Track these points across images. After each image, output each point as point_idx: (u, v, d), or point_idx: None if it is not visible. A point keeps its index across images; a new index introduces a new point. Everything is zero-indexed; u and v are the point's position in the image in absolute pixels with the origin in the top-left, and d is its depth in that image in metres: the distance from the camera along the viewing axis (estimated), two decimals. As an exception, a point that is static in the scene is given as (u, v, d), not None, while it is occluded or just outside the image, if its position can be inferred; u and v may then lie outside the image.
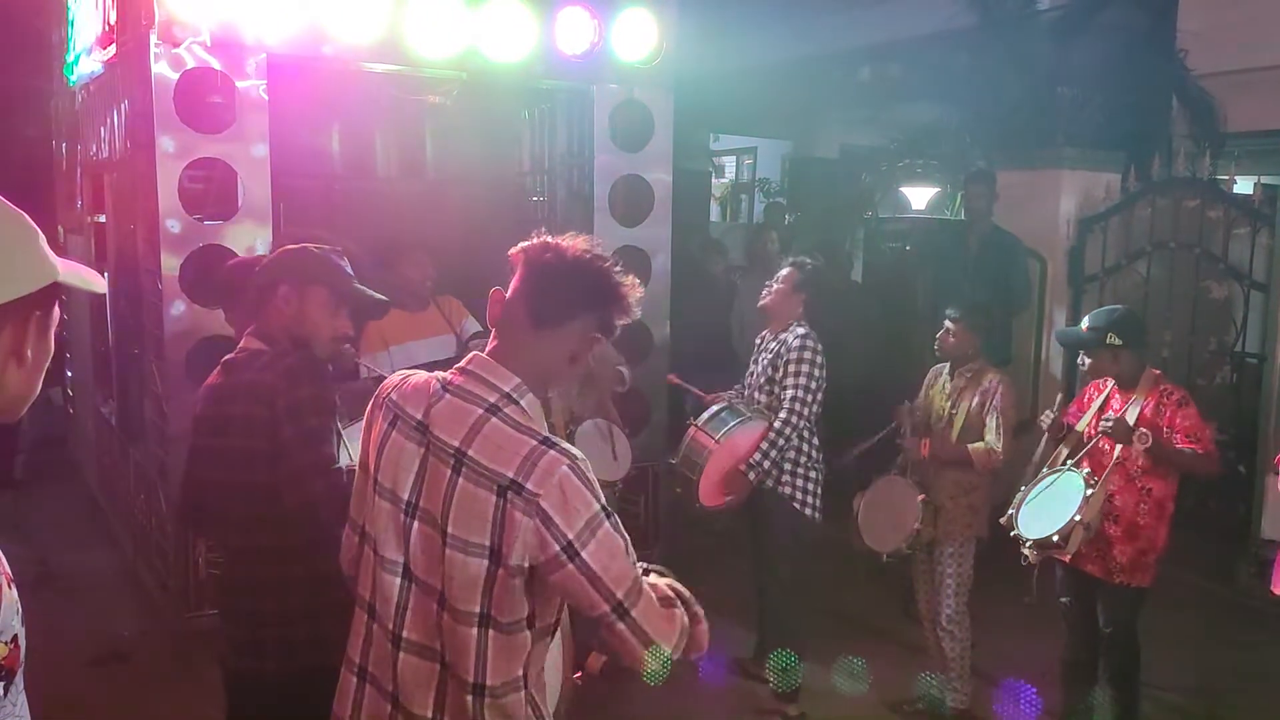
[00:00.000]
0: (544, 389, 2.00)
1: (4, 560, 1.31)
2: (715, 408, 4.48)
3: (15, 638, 1.28)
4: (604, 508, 1.85)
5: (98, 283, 1.50)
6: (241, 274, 3.19)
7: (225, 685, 2.83)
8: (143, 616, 5.16)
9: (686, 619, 1.97)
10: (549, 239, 1.98)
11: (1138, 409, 3.87)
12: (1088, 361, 4.04)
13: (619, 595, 1.83)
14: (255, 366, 2.64)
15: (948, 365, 4.50)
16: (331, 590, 2.26)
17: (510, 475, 1.82)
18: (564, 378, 2.03)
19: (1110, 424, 3.82)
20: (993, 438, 4.23)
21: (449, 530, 1.87)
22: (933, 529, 4.31)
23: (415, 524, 1.92)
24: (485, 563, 1.84)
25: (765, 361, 4.52)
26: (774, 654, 4.51)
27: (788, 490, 4.41)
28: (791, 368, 4.36)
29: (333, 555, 2.19)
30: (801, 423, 4.34)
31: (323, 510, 2.47)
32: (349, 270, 2.78)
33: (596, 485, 1.86)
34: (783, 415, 4.32)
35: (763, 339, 4.69)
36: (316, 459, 2.55)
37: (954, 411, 4.36)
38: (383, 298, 2.85)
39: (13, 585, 1.30)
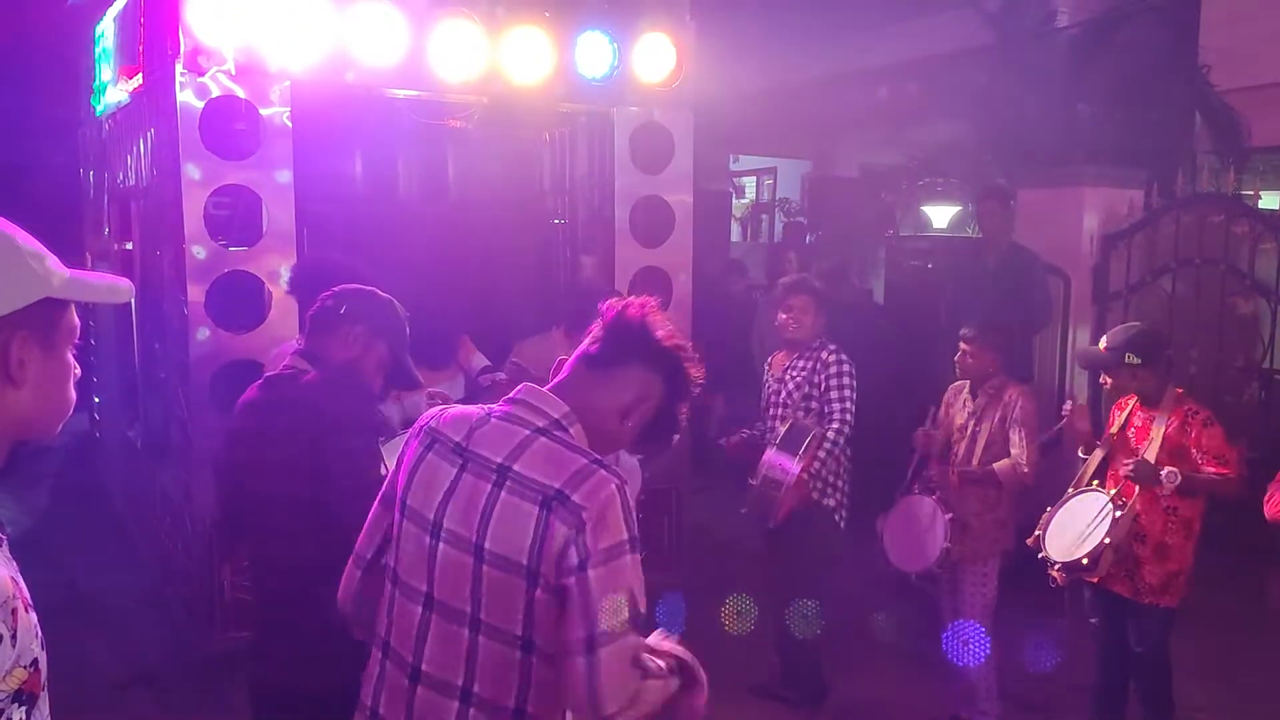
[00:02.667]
0: (595, 434, 1.94)
1: (23, 585, 1.31)
2: (784, 426, 4.47)
3: (35, 661, 1.28)
4: (632, 539, 1.81)
5: (114, 293, 1.49)
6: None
7: (253, 702, 2.83)
8: (169, 640, 5.18)
9: (674, 686, 1.89)
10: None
11: (1162, 428, 3.84)
12: (1109, 381, 4.02)
13: (596, 629, 1.75)
14: (298, 383, 2.69)
15: (968, 384, 4.49)
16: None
17: (557, 486, 1.79)
18: (613, 430, 1.98)
19: (1132, 470, 3.77)
20: (1018, 453, 4.21)
21: (486, 546, 1.82)
22: (960, 547, 4.29)
23: (441, 546, 1.87)
24: (523, 582, 1.79)
25: (798, 380, 4.54)
26: (800, 672, 4.51)
27: (830, 503, 4.47)
28: (834, 381, 4.45)
29: None
30: (849, 432, 4.41)
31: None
32: (407, 338, 2.86)
33: (633, 515, 1.83)
34: (835, 426, 4.39)
35: (774, 361, 4.73)
36: (361, 480, 2.56)
37: (977, 430, 4.34)
38: (418, 378, 2.94)
39: (31, 610, 1.30)
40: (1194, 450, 3.77)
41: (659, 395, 1.99)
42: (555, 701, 1.83)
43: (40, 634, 1.31)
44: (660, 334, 1.99)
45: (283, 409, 2.67)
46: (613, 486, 1.79)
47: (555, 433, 1.88)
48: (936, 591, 4.54)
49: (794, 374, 4.58)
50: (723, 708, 4.57)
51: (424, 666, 1.88)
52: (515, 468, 1.83)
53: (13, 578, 1.29)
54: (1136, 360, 3.86)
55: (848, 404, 4.43)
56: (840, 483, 4.50)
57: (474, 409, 1.99)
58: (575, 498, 1.77)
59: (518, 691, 1.81)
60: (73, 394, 1.44)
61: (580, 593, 1.75)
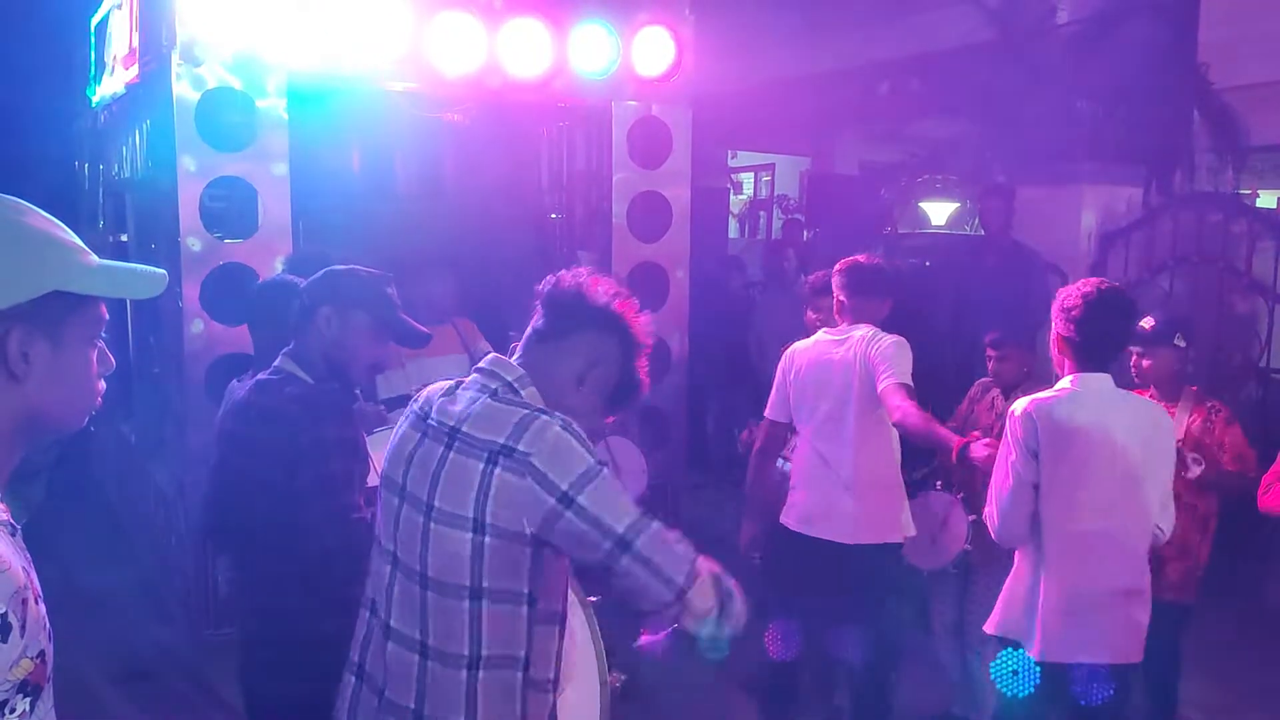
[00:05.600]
0: (559, 407, 1.98)
1: (34, 576, 1.31)
2: None
3: (42, 653, 1.28)
4: (599, 462, 1.87)
5: (144, 286, 1.43)
6: (271, 293, 3.20)
7: (246, 705, 2.82)
8: (164, 634, 5.17)
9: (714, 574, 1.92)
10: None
11: (1184, 422, 3.81)
12: (1144, 363, 3.94)
13: (620, 529, 1.83)
14: (285, 393, 2.63)
15: (999, 387, 4.45)
16: (357, 616, 2.26)
17: (501, 441, 1.86)
18: (573, 399, 2.03)
19: None
20: None
21: (435, 504, 1.90)
22: (981, 551, 4.25)
23: (404, 507, 1.97)
24: (470, 535, 1.86)
25: None
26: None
27: None
28: None
29: (356, 584, 2.20)
30: None
31: (337, 560, 2.46)
32: (395, 299, 2.76)
33: (590, 444, 1.89)
34: None
35: None
36: (333, 507, 2.53)
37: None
38: (425, 331, 2.83)
39: (40, 601, 1.30)
40: (1214, 448, 3.75)
41: (613, 355, 2.05)
42: (509, 643, 1.91)
43: (48, 626, 1.31)
44: (598, 296, 2.05)
45: (265, 420, 2.63)
46: (556, 427, 1.86)
47: (504, 394, 1.96)
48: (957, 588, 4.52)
49: None
50: (730, 695, 4.58)
51: (392, 622, 1.98)
52: (463, 429, 1.91)
53: (24, 568, 1.29)
54: (1183, 343, 3.84)
55: None
56: None
57: (448, 382, 2.07)
58: (520, 447, 1.84)
59: (469, 639, 1.89)
60: (95, 388, 1.42)
61: (584, 518, 1.82)
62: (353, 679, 2.07)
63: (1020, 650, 3.09)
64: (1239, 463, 3.76)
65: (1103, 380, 3.03)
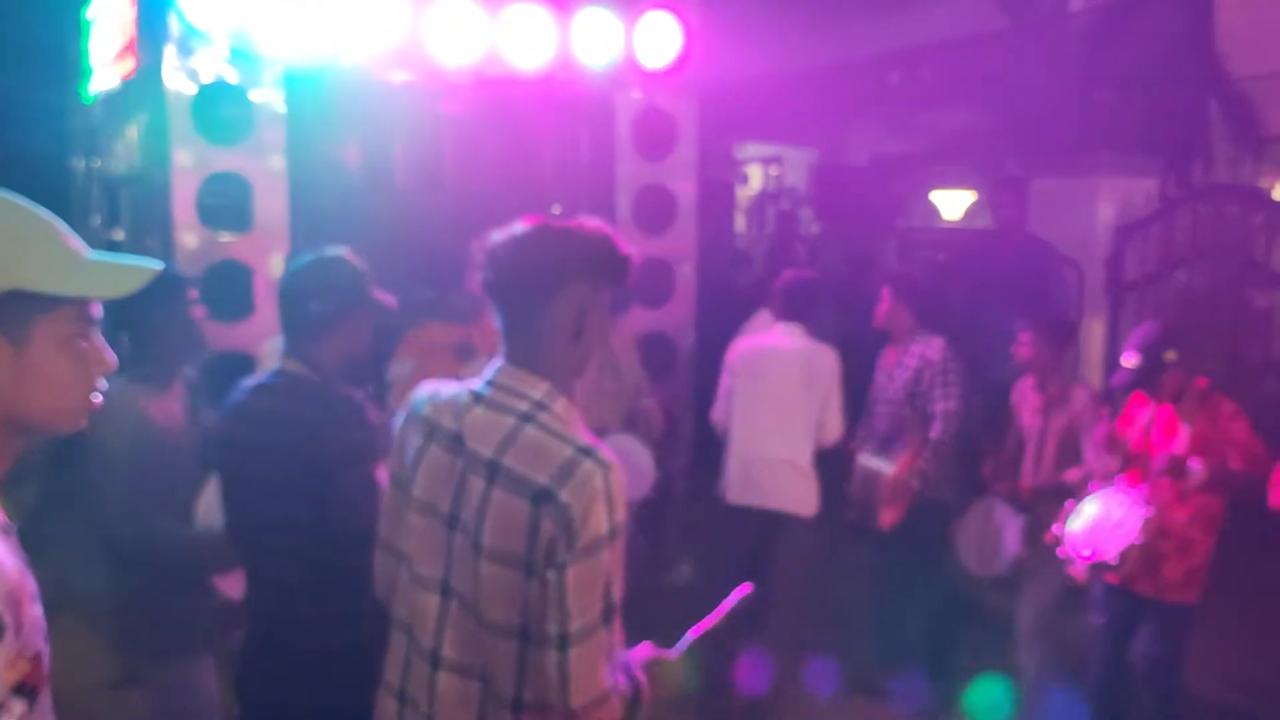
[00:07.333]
0: (568, 381, 1.95)
1: (29, 577, 1.30)
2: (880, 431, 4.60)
3: (38, 655, 1.27)
4: (613, 530, 1.82)
5: (111, 285, 1.36)
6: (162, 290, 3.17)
7: (243, 714, 2.74)
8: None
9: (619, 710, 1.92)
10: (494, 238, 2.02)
11: (1189, 421, 3.77)
12: (1159, 392, 3.88)
13: (571, 627, 1.79)
14: (300, 396, 2.54)
15: (1035, 378, 4.40)
16: (373, 625, 2.19)
17: (544, 482, 1.80)
18: (576, 359, 1.97)
19: (1165, 467, 3.73)
20: (1091, 457, 4.13)
21: (484, 542, 1.84)
22: (1036, 554, 4.20)
23: (457, 536, 1.90)
24: (521, 574, 1.82)
25: (906, 377, 4.59)
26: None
27: (945, 497, 4.50)
28: (939, 379, 4.50)
29: (367, 594, 2.16)
30: (954, 429, 4.43)
31: (360, 570, 2.37)
32: (369, 279, 2.73)
33: (620, 501, 1.84)
34: (939, 425, 4.43)
35: (884, 355, 4.78)
36: (362, 515, 2.45)
37: (1045, 432, 4.25)
38: (389, 302, 2.78)
39: (36, 603, 1.29)
40: (1221, 443, 3.69)
41: (595, 290, 1.98)
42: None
43: (44, 628, 1.30)
44: (543, 244, 1.98)
45: (276, 424, 2.53)
46: (598, 479, 1.80)
47: (540, 416, 1.88)
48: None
49: (901, 371, 4.61)
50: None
51: (444, 652, 1.92)
52: (505, 462, 1.84)
53: (19, 569, 1.28)
54: (1175, 355, 3.78)
55: (951, 402, 4.47)
56: (952, 475, 4.54)
57: (462, 390, 1.99)
58: (562, 495, 1.78)
59: (515, 681, 1.85)
60: (84, 388, 1.37)
61: (558, 589, 1.79)
62: (394, 702, 2.01)
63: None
64: (1247, 457, 3.69)
65: (794, 327, 4.46)
